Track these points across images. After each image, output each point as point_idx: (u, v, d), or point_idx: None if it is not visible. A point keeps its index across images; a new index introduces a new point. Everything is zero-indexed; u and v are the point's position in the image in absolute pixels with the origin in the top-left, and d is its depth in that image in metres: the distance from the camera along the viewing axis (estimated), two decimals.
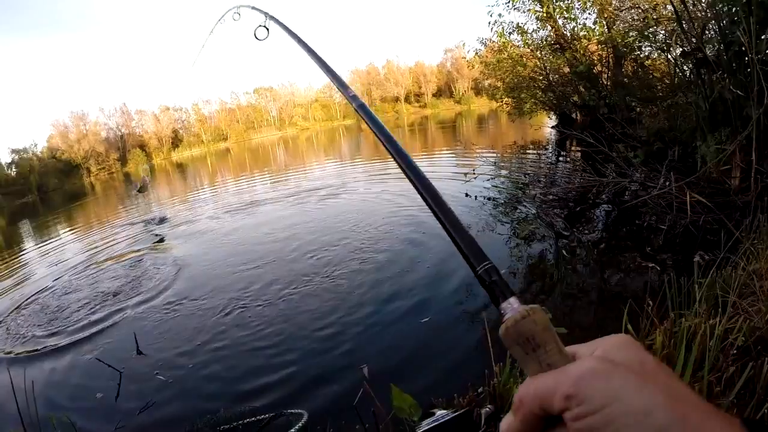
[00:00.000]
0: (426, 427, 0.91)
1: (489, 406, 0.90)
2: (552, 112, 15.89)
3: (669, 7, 6.77)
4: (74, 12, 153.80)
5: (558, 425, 0.38)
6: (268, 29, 1.75)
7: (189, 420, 3.20)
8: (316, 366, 3.69)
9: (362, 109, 0.84)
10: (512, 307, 0.44)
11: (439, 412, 0.94)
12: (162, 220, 11.93)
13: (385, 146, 0.70)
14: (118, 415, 3.53)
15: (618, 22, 9.22)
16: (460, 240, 0.55)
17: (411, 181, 0.65)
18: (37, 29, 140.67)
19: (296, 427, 2.64)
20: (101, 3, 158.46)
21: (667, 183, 5.03)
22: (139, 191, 14.00)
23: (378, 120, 0.79)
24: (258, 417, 2.96)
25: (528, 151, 13.59)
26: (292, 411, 2.98)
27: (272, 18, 1.73)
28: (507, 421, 0.41)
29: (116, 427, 3.38)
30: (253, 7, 1.91)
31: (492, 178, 9.31)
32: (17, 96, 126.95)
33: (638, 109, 8.39)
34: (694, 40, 5.24)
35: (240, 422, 2.94)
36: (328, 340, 4.05)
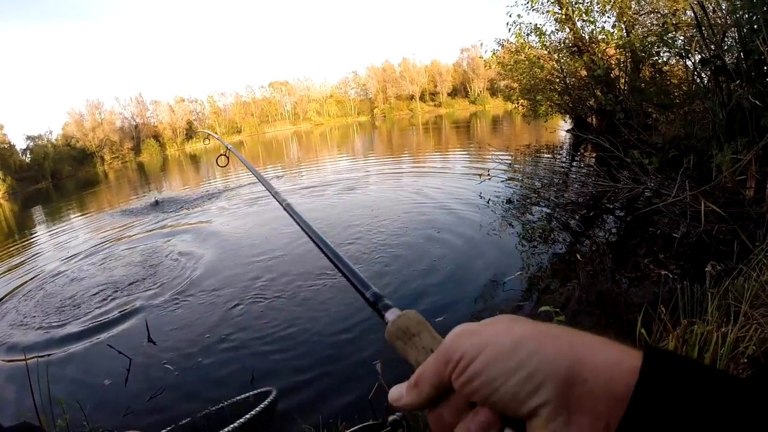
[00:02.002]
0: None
1: (397, 413, 0.96)
2: (567, 116, 15.77)
3: (689, 12, 6.71)
4: (97, 1, 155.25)
5: (449, 396, 0.40)
6: (227, 157, 2.04)
7: (189, 412, 3.21)
8: (329, 359, 3.72)
9: (289, 208, 1.00)
10: (392, 314, 0.51)
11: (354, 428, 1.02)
12: (157, 203, 12.46)
13: (308, 234, 0.82)
14: (125, 401, 3.58)
15: (637, 27, 9.13)
16: (350, 275, 0.63)
17: (312, 239, 0.77)
18: (58, 17, 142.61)
19: (264, 404, 2.70)
20: None
21: (682, 191, 4.99)
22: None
23: (299, 213, 0.93)
24: (223, 403, 3.01)
25: (542, 154, 13.54)
26: (260, 390, 3.05)
27: (229, 148, 2.02)
28: (397, 392, 0.44)
29: (124, 414, 3.42)
30: (218, 138, 2.38)
31: (506, 181, 9.28)
32: (34, 83, 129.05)
33: (654, 115, 8.32)
34: (713, 47, 5.18)
35: (210, 411, 2.96)
36: (341, 334, 4.07)
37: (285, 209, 1.03)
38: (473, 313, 4.10)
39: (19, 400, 3.73)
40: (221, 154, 2.03)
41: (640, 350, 0.34)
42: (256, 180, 1.35)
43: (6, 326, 5.57)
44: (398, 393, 0.44)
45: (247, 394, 3.04)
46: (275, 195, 1.16)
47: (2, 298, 6.76)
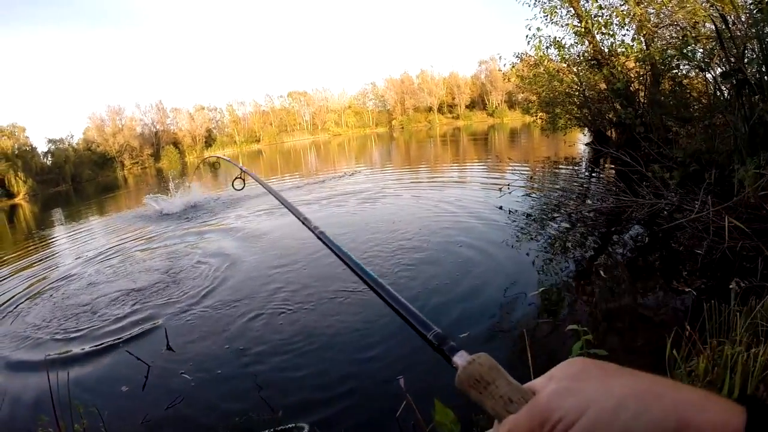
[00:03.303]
0: None
1: None
2: (586, 129, 15.68)
3: (708, 25, 6.63)
4: (120, 8, 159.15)
5: None
6: (243, 180, 2.00)
7: (206, 426, 3.23)
8: (352, 375, 3.65)
9: (323, 235, 0.96)
10: (461, 359, 0.49)
11: None
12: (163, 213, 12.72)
13: (348, 264, 0.81)
14: (143, 408, 3.56)
15: (656, 40, 9.06)
16: (409, 316, 0.61)
17: (363, 280, 0.75)
18: (82, 22, 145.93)
19: None
20: (150, 2, 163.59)
21: (705, 207, 4.91)
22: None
23: (336, 243, 0.89)
24: None
25: (561, 167, 13.45)
26: (292, 425, 2.97)
27: (245, 171, 1.96)
28: None
29: (141, 421, 3.40)
30: (230, 161, 2.39)
31: (525, 195, 9.23)
32: (57, 88, 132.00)
33: (675, 128, 8.22)
34: (733, 60, 5.12)
35: None
36: (364, 349, 4.00)
37: (319, 237, 0.99)
38: (498, 330, 4.01)
39: (37, 405, 3.75)
40: (237, 177, 1.99)
41: (742, 406, 0.34)
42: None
43: (24, 328, 5.62)
44: None
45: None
46: (305, 222, 1.12)
47: (21, 300, 6.85)
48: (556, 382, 0.40)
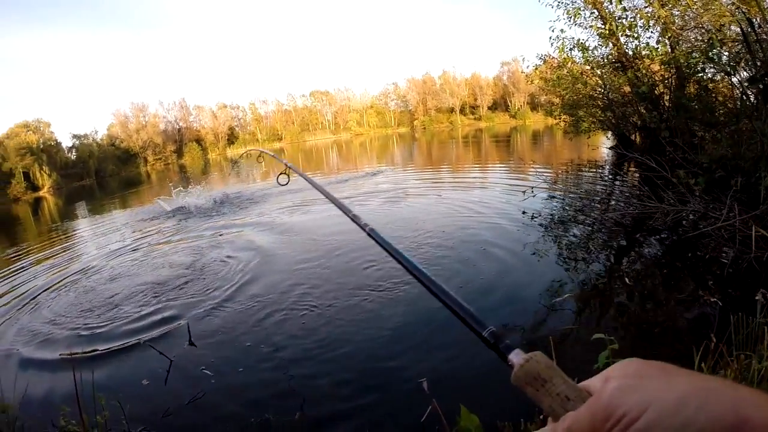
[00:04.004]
0: None
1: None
2: (610, 132, 15.49)
3: (734, 27, 6.50)
4: (146, 10, 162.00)
5: None
6: (288, 176, 1.95)
7: (225, 424, 3.26)
8: (378, 379, 3.62)
9: (373, 233, 0.94)
10: (517, 357, 0.50)
11: None
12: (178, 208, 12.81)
13: (398, 260, 0.81)
14: (164, 402, 3.60)
15: (681, 42, 8.91)
16: (463, 313, 0.60)
17: (417, 278, 0.73)
18: (110, 22, 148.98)
19: None
20: (174, 3, 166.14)
21: (731, 215, 4.82)
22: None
23: (387, 241, 0.87)
24: None
25: (584, 171, 13.33)
26: None
27: (290, 167, 1.94)
28: None
29: (163, 415, 3.44)
30: (274, 156, 2.29)
31: (549, 198, 9.19)
32: (82, 84, 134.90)
33: (700, 133, 8.08)
34: (760, 63, 5.03)
35: None
36: (389, 353, 3.98)
37: (369, 234, 0.98)
38: (523, 337, 3.96)
39: (58, 395, 3.83)
40: (282, 173, 1.98)
41: None
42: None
43: (48, 320, 5.70)
44: None
45: None
46: (354, 219, 1.12)
47: (45, 291, 6.99)
48: (617, 380, 0.41)
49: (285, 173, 1.96)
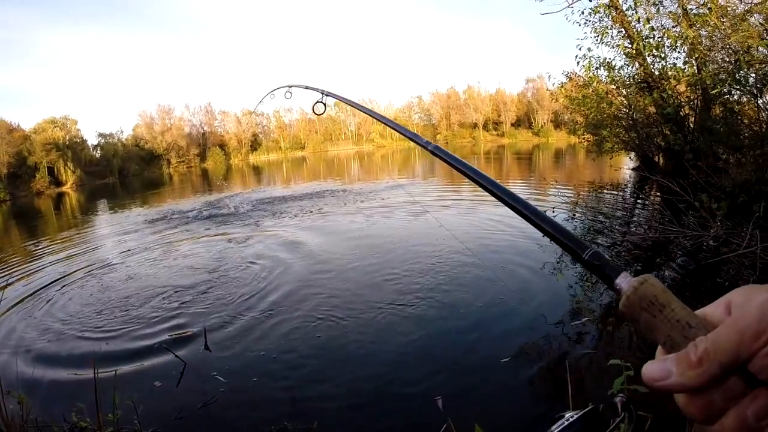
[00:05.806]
0: (555, 431, 0.88)
1: (620, 395, 0.85)
2: (633, 153, 15.31)
3: (762, 49, 6.39)
4: (179, 15, 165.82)
5: (727, 378, 0.36)
6: (324, 104, 1.81)
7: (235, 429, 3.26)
8: (393, 394, 3.60)
9: (438, 150, 0.92)
10: (626, 280, 0.45)
11: (568, 414, 0.90)
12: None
13: (469, 176, 0.78)
14: (175, 405, 3.63)
15: (708, 63, 8.80)
16: (560, 235, 0.56)
17: (500, 198, 0.69)
18: (142, 26, 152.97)
19: None
20: (207, 9, 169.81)
21: (753, 242, 4.72)
22: None
23: (455, 156, 0.86)
24: None
25: (605, 191, 13.18)
26: None
27: (328, 94, 1.79)
28: (662, 369, 0.38)
29: (175, 417, 3.48)
30: (307, 87, 1.98)
31: (569, 218, 9.12)
32: (110, 84, 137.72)
33: (724, 156, 7.95)
34: None
35: None
36: (406, 368, 3.96)
37: (433, 153, 0.96)
38: (537, 359, 3.93)
39: (73, 391, 3.92)
40: (317, 101, 1.83)
41: None
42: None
43: (65, 318, 5.78)
44: (664, 371, 0.38)
45: None
46: (414, 137, 1.13)
47: (62, 288, 7.11)
48: (760, 294, 0.36)
49: (321, 102, 1.81)
